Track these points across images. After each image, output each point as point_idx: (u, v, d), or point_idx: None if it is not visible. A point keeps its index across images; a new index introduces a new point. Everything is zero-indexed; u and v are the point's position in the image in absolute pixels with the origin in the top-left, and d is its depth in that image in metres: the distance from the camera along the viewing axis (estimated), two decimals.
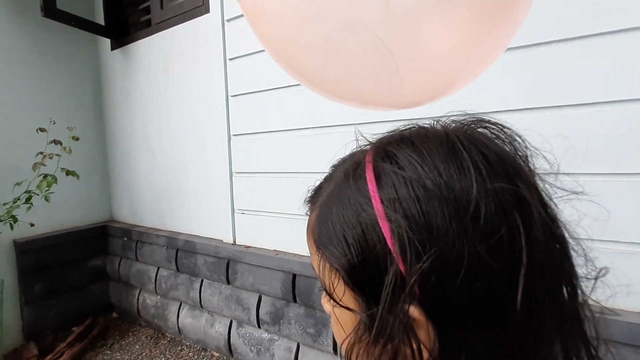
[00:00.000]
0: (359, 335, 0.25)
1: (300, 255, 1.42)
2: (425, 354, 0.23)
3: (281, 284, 1.43)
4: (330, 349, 1.32)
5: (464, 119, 0.28)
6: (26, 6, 1.88)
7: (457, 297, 0.22)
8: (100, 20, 2.14)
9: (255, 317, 1.53)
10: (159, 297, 1.98)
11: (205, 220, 1.81)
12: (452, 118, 0.29)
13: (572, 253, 0.25)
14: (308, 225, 0.31)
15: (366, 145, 0.30)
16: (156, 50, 1.93)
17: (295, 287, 1.40)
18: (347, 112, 1.22)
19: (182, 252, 1.83)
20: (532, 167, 0.26)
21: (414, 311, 0.22)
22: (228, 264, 1.63)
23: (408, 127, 0.30)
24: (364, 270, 0.24)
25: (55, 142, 1.67)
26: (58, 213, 2.02)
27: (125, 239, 2.13)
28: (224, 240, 1.69)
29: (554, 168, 0.27)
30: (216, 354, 1.74)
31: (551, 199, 0.25)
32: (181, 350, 1.81)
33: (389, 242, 0.23)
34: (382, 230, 0.23)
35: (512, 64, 0.95)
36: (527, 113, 0.96)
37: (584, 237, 0.26)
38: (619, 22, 0.83)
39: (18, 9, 1.86)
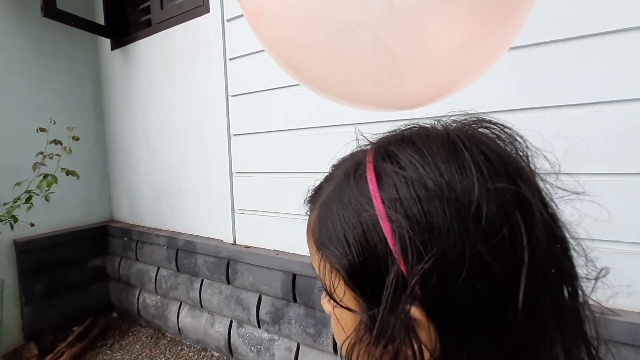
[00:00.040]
0: (360, 335, 0.25)
1: (300, 255, 1.42)
2: (427, 355, 0.23)
3: (281, 283, 1.43)
4: (330, 349, 1.32)
5: (464, 119, 0.28)
6: (26, 6, 1.88)
7: (458, 298, 0.22)
8: (100, 20, 2.14)
9: (255, 317, 1.53)
10: (159, 297, 1.98)
11: (205, 220, 1.81)
12: (452, 118, 0.29)
13: (573, 253, 0.25)
14: (308, 225, 0.31)
15: (366, 145, 0.30)
16: (156, 50, 1.93)
17: (296, 287, 1.40)
18: (346, 112, 1.22)
19: (182, 252, 1.83)
20: (532, 167, 0.26)
21: (415, 312, 0.22)
22: (228, 263, 1.63)
23: (409, 127, 0.29)
24: (364, 270, 0.24)
25: (56, 142, 1.67)
26: (58, 213, 2.02)
27: (125, 238, 2.13)
28: (224, 240, 1.69)
29: (555, 168, 0.27)
30: (216, 354, 1.74)
31: (552, 199, 0.25)
32: (181, 350, 1.81)
33: (390, 242, 0.23)
34: (383, 230, 0.23)
35: (513, 64, 0.95)
36: (528, 113, 0.96)
37: (584, 237, 0.26)
38: (620, 21, 0.83)
39: (18, 9, 1.86)
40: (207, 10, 1.63)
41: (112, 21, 2.12)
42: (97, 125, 2.28)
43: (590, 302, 0.25)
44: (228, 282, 1.64)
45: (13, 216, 1.55)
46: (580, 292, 0.24)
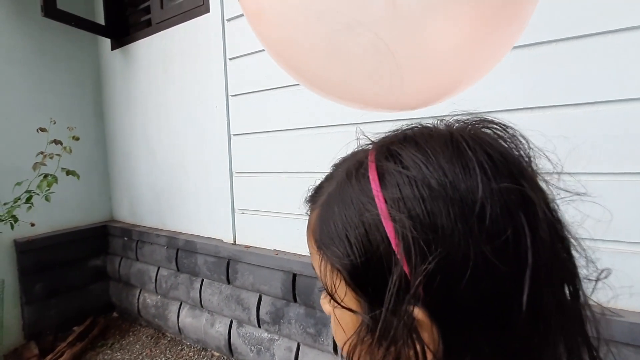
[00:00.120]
0: (361, 336, 0.25)
1: (300, 255, 1.42)
2: (429, 356, 0.22)
3: (281, 283, 1.43)
4: (331, 348, 1.32)
5: (467, 119, 0.28)
6: (26, 6, 1.88)
7: (462, 298, 0.21)
8: (101, 20, 2.14)
9: (255, 316, 1.53)
10: (159, 296, 1.98)
11: (206, 220, 1.81)
12: (455, 118, 0.28)
13: (575, 254, 0.24)
14: (308, 225, 0.31)
15: (368, 144, 0.30)
16: (156, 50, 1.93)
17: (296, 286, 1.40)
18: (347, 111, 1.22)
19: (183, 251, 1.83)
20: (535, 168, 0.26)
21: (418, 313, 0.22)
22: (228, 263, 1.63)
23: (411, 126, 0.29)
24: (366, 271, 0.24)
25: (56, 142, 1.67)
26: (58, 213, 2.02)
27: (125, 238, 2.13)
28: (224, 240, 1.68)
29: (557, 168, 0.27)
30: (216, 354, 1.74)
31: (554, 199, 0.25)
32: (181, 350, 1.81)
33: (393, 242, 0.23)
34: (386, 230, 0.23)
35: (514, 63, 0.95)
36: (529, 112, 0.95)
37: (586, 237, 0.26)
38: (621, 21, 0.82)
39: (18, 9, 1.86)
40: (207, 10, 1.63)
41: (112, 21, 2.11)
42: (97, 125, 2.28)
43: (591, 302, 0.25)
44: (228, 282, 1.64)
45: (13, 216, 1.55)
46: (581, 293, 0.24)
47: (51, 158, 1.64)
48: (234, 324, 1.65)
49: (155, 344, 1.88)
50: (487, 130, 0.27)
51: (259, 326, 1.54)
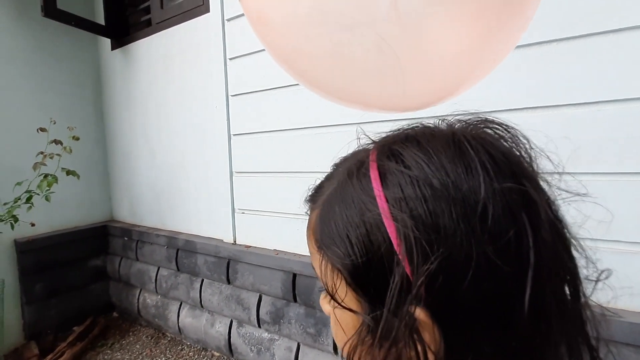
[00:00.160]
0: (362, 337, 0.25)
1: (300, 255, 1.42)
2: (431, 356, 0.22)
3: (281, 283, 1.43)
4: (331, 348, 1.32)
5: (468, 119, 0.28)
6: (27, 6, 1.88)
7: (464, 299, 0.21)
8: (101, 20, 2.14)
9: (255, 316, 1.53)
10: (159, 296, 1.98)
11: (206, 219, 1.80)
12: (456, 117, 0.28)
13: (575, 254, 0.24)
14: (308, 224, 0.31)
15: (369, 144, 0.30)
16: (156, 49, 1.93)
17: (296, 286, 1.40)
18: (347, 111, 1.21)
19: (183, 251, 1.83)
20: (536, 168, 0.26)
21: (420, 313, 0.22)
22: (228, 263, 1.63)
23: (412, 126, 0.29)
24: (368, 271, 0.24)
25: (56, 141, 1.67)
26: (58, 213, 2.02)
27: (125, 238, 2.13)
28: (224, 240, 1.68)
29: (558, 169, 0.27)
30: (216, 354, 1.74)
31: (556, 200, 0.25)
32: (181, 350, 1.81)
33: (395, 242, 0.22)
34: (388, 230, 0.23)
35: (515, 63, 0.95)
36: (530, 112, 0.95)
37: (586, 237, 0.26)
38: (622, 20, 0.82)
39: (19, 8, 1.86)
40: (207, 10, 1.63)
41: (112, 21, 2.11)
42: (97, 125, 2.28)
43: (591, 302, 0.25)
44: (228, 281, 1.64)
45: (14, 216, 1.55)
46: (582, 293, 0.24)
47: (51, 158, 1.64)
48: (234, 324, 1.65)
49: (155, 344, 1.88)
50: (489, 130, 0.27)
51: (259, 326, 1.54)
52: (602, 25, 0.84)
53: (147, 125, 2.05)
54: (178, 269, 1.86)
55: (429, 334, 0.22)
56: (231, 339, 1.64)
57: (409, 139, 0.26)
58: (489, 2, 0.33)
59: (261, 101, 1.48)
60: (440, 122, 0.28)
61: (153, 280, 1.97)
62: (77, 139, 1.75)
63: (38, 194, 1.63)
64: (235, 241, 1.64)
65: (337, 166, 0.32)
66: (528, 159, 0.26)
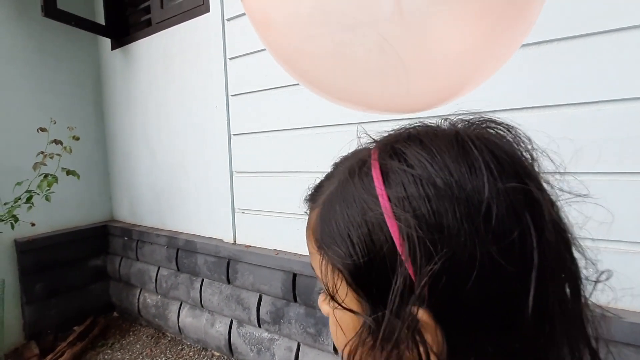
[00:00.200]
0: (363, 338, 0.24)
1: (300, 254, 1.42)
2: (433, 358, 0.22)
3: (281, 283, 1.43)
4: (331, 348, 1.32)
5: (470, 118, 0.27)
6: (27, 6, 1.87)
7: (467, 299, 0.21)
8: (101, 20, 2.13)
9: (255, 316, 1.53)
10: (159, 296, 1.98)
11: (206, 219, 1.80)
12: (459, 117, 0.28)
13: (576, 254, 0.24)
14: (308, 224, 0.30)
15: (370, 143, 0.30)
16: (156, 49, 1.93)
17: (296, 286, 1.40)
18: (347, 111, 1.21)
19: (183, 251, 1.83)
20: (537, 168, 0.26)
21: (422, 314, 0.22)
22: (228, 263, 1.63)
23: (414, 125, 0.29)
24: (369, 271, 0.24)
25: (56, 141, 1.67)
26: (59, 213, 2.02)
27: (125, 238, 2.13)
28: (224, 240, 1.68)
29: (560, 169, 0.27)
30: (217, 354, 1.74)
31: (558, 200, 0.25)
32: (182, 350, 1.81)
33: (397, 242, 0.22)
34: (390, 229, 0.22)
35: (517, 63, 0.95)
36: (530, 112, 0.95)
37: (587, 237, 0.26)
38: (623, 19, 0.82)
39: (19, 8, 1.86)
40: (207, 10, 1.63)
41: (112, 21, 2.11)
42: (97, 125, 2.28)
43: (591, 302, 0.24)
44: (228, 281, 1.64)
45: (14, 216, 1.55)
46: (583, 294, 0.24)
47: (51, 158, 1.64)
48: (234, 323, 1.65)
49: (155, 344, 1.88)
50: (491, 130, 0.26)
51: (259, 326, 1.54)
52: (602, 25, 0.84)
53: (147, 125, 2.04)
54: (178, 269, 1.86)
55: (432, 335, 0.22)
56: (231, 339, 1.64)
57: (412, 138, 0.26)
58: (493, 0, 0.33)
59: (261, 101, 1.48)
60: (442, 121, 0.28)
61: (153, 280, 1.97)
62: (77, 139, 1.75)
63: (38, 194, 1.63)
64: (235, 241, 1.64)
65: (337, 165, 0.31)
66: (530, 159, 0.26)
